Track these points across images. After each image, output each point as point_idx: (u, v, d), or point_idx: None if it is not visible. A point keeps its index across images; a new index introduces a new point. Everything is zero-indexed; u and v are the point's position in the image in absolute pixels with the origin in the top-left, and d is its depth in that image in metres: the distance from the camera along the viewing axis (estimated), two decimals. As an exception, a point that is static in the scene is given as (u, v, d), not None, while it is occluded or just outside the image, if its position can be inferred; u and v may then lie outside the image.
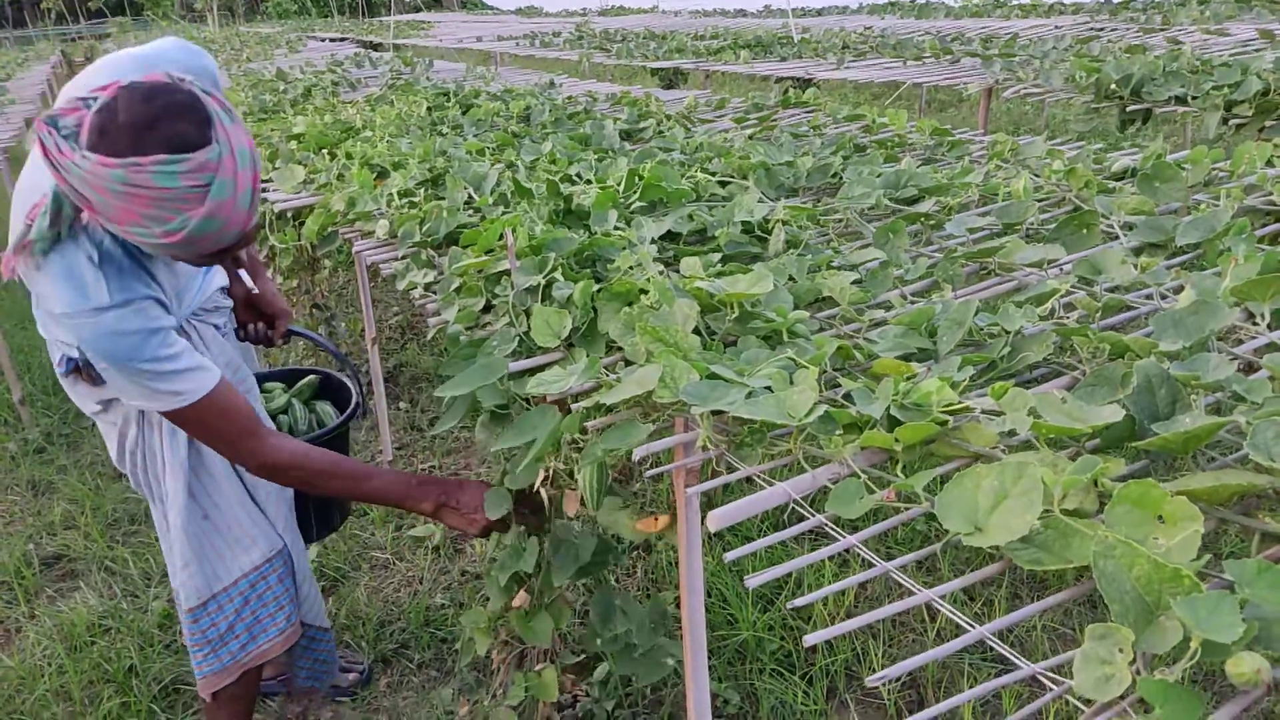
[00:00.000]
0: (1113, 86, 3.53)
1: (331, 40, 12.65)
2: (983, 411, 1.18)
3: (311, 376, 2.26)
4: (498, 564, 1.82)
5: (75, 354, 1.54)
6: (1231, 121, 3.13)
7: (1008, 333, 1.42)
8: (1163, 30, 5.54)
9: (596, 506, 1.47)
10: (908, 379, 1.29)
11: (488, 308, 1.88)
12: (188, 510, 1.81)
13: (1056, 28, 6.36)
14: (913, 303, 1.66)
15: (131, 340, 1.44)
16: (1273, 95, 3.05)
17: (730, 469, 1.25)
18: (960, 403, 1.19)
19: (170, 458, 1.78)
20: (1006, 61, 4.25)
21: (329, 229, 2.73)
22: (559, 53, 7.96)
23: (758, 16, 11.65)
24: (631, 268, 1.71)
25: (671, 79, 7.94)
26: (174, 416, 1.55)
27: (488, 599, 1.93)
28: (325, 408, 2.24)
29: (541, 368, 1.64)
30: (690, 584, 1.42)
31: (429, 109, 4.01)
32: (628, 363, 1.55)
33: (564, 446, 1.50)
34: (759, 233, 2.05)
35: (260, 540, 1.90)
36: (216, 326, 1.91)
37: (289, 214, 3.19)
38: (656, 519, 1.57)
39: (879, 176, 2.32)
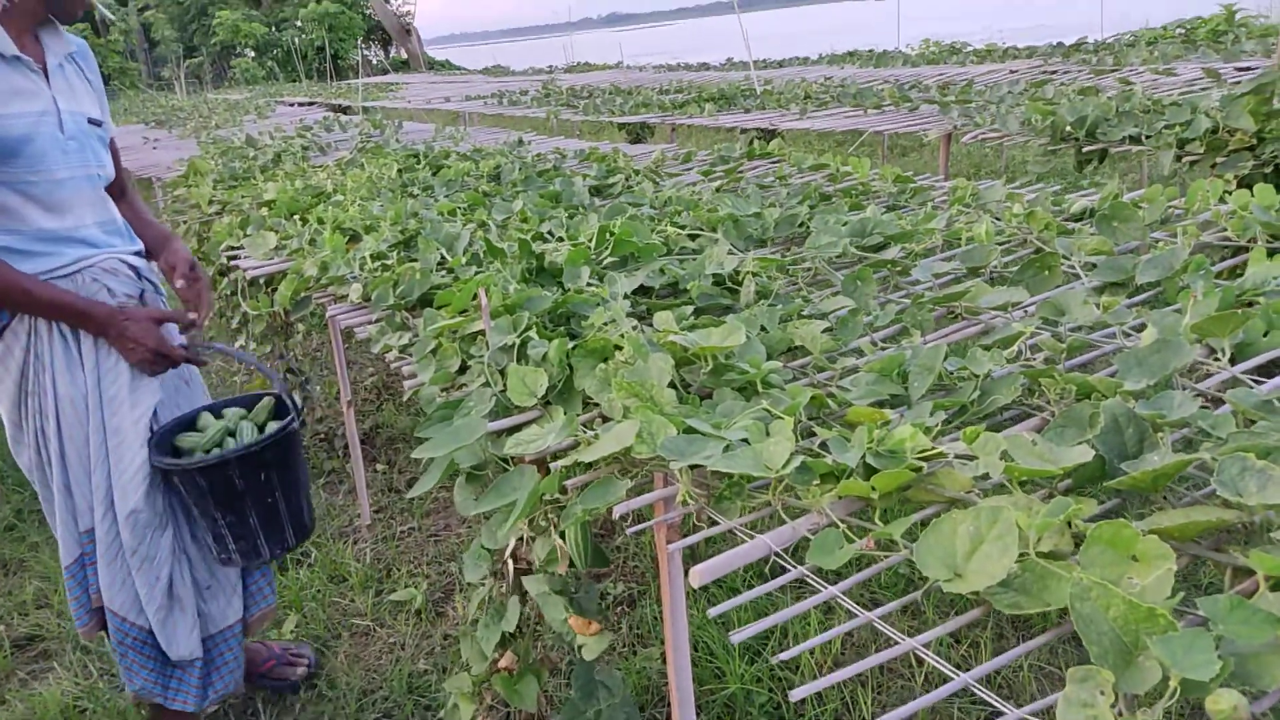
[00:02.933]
0: (1068, 128, 3.62)
1: (300, 105, 12.75)
2: (956, 456, 1.19)
3: (267, 398, 2.17)
4: (481, 625, 1.80)
5: None
6: (1185, 159, 3.22)
7: (976, 376, 1.44)
8: (1114, 71, 5.70)
9: (585, 565, 1.47)
10: (881, 426, 1.30)
11: (463, 368, 1.88)
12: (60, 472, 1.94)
13: (1011, 72, 6.53)
14: (883, 349, 1.69)
15: None
16: (1221, 133, 3.15)
17: (711, 523, 1.25)
18: (934, 448, 1.20)
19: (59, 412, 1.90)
20: (964, 107, 4.37)
21: (302, 294, 2.73)
22: (527, 110, 8.07)
23: (720, 70, 11.87)
24: (606, 324, 1.72)
25: (638, 133, 8.06)
26: None
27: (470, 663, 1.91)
28: (273, 425, 2.18)
29: (519, 427, 1.65)
30: (676, 640, 1.42)
31: (399, 171, 4.05)
32: (605, 419, 1.56)
33: (543, 505, 1.50)
34: (730, 284, 2.07)
35: (85, 515, 1.97)
36: (110, 289, 1.93)
37: (261, 280, 3.19)
38: (589, 623, 1.56)
39: (845, 225, 2.36)
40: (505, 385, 1.69)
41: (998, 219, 2.35)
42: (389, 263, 2.52)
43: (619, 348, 1.69)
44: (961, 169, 7.84)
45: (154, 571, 1.99)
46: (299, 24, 29.43)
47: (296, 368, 3.80)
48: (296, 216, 3.28)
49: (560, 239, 2.58)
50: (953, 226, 2.30)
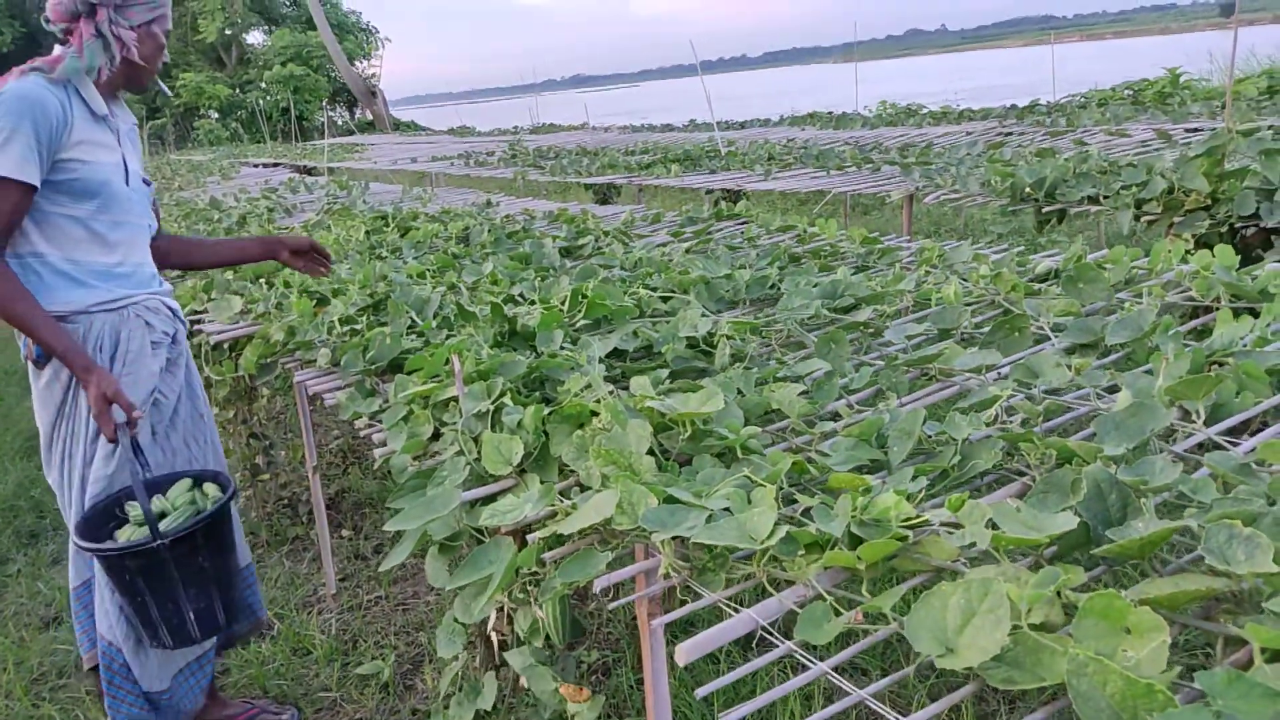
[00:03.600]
0: (1027, 189, 3.71)
1: (265, 166, 12.75)
2: (941, 524, 1.18)
3: (211, 481, 2.12)
4: (455, 702, 1.74)
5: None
6: (1143, 219, 3.30)
7: (955, 441, 1.44)
8: (1068, 132, 5.87)
9: (563, 640, 1.43)
10: (863, 493, 1.29)
11: (435, 435, 1.85)
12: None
13: (968, 134, 6.70)
14: (860, 412, 1.68)
15: (17, 98, 1.87)
16: (1177, 193, 3.23)
17: (694, 595, 1.22)
18: (918, 516, 1.19)
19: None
20: (924, 169, 4.46)
21: (268, 359, 2.69)
22: (494, 171, 8.12)
23: (684, 130, 12.06)
24: (581, 390, 1.71)
25: (605, 193, 8.14)
26: None
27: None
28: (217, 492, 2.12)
29: (494, 496, 1.62)
30: (658, 713, 1.38)
31: (367, 233, 4.03)
32: (583, 487, 1.53)
33: (521, 577, 1.47)
34: (704, 347, 2.07)
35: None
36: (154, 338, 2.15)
37: (225, 345, 3.14)
38: (581, 690, 1.52)
39: (815, 286, 2.38)
40: (479, 453, 1.66)
41: (965, 280, 2.38)
42: (358, 327, 2.49)
43: (595, 414, 1.67)
44: (922, 227, 7.99)
45: (117, 600, 2.05)
46: (263, 85, 29.57)
47: (260, 432, 3.72)
48: (262, 280, 3.24)
49: (532, 302, 2.57)
50: (922, 288, 2.32)
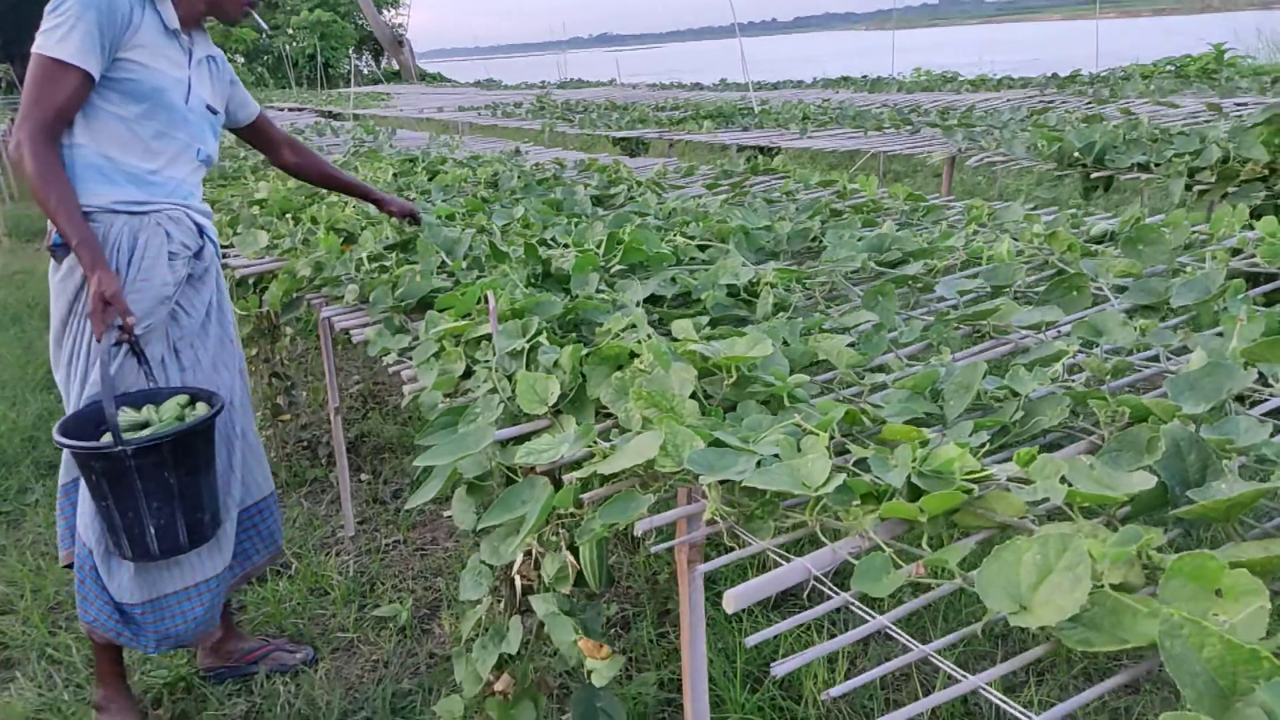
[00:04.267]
0: (1076, 154, 3.59)
1: (291, 109, 12.65)
2: (1009, 479, 1.11)
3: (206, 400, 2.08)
4: (478, 646, 1.70)
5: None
6: (1195, 188, 3.18)
7: (1018, 396, 1.37)
8: (1112, 102, 5.70)
9: (599, 585, 1.38)
10: (921, 445, 1.23)
11: (467, 373, 1.79)
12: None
13: (1008, 101, 6.54)
14: (911, 366, 1.61)
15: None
16: (1232, 163, 3.12)
17: (739, 543, 1.17)
18: (983, 470, 1.13)
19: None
20: (968, 131, 4.34)
21: (293, 295, 2.64)
22: (521, 122, 8.00)
23: (714, 90, 11.87)
24: (622, 330, 1.64)
25: (633, 149, 8.01)
26: (33, 53, 1.92)
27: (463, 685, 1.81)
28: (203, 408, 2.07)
29: (527, 436, 1.56)
30: (694, 667, 1.33)
31: (395, 175, 3.96)
32: (621, 430, 1.47)
33: (554, 520, 1.41)
34: (745, 295, 2.00)
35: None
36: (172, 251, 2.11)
37: (250, 280, 3.09)
38: (600, 647, 1.46)
39: (860, 240, 2.30)
40: (514, 392, 1.60)
41: (1016, 239, 2.29)
42: (387, 264, 2.43)
43: (635, 355, 1.61)
44: (955, 194, 7.83)
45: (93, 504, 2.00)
46: (290, 31, 29.32)
47: (282, 372, 3.69)
48: (289, 216, 3.18)
49: (564, 246, 2.51)
50: (972, 245, 2.23)
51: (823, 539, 1.10)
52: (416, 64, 29.57)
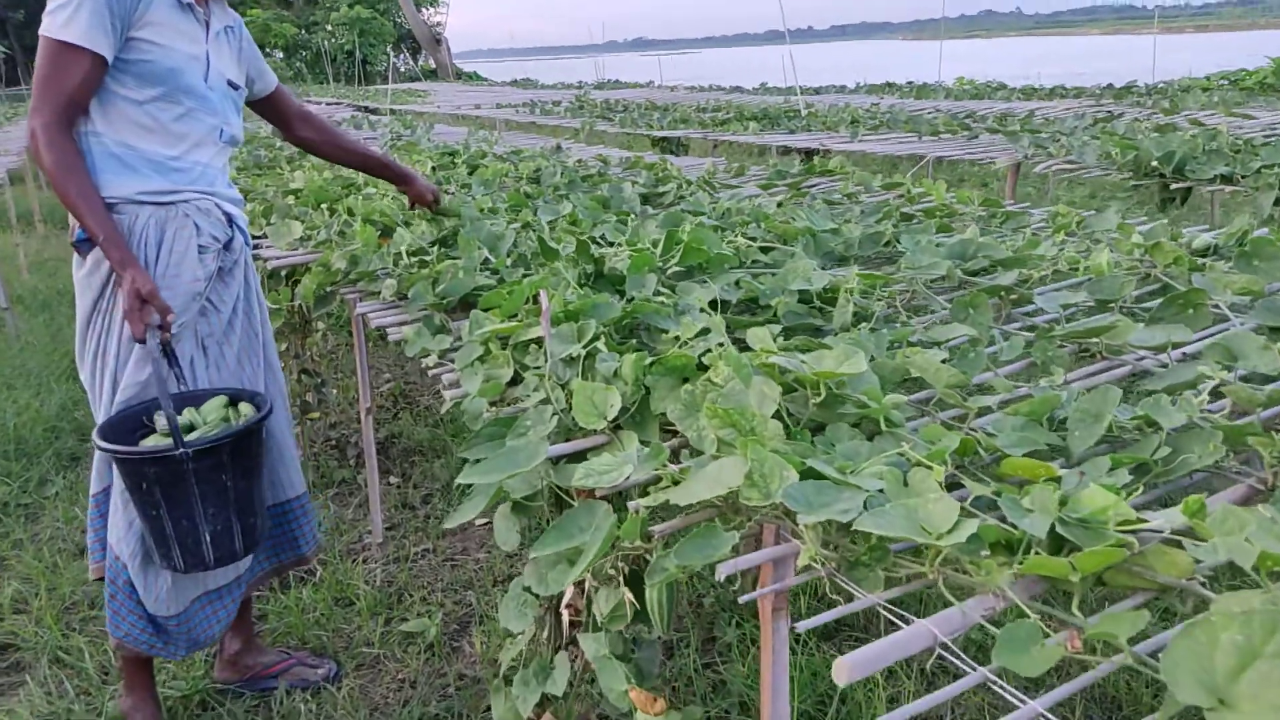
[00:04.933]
0: (1154, 164, 3.38)
1: (329, 104, 12.61)
2: (1173, 531, 0.93)
3: (248, 401, 1.96)
4: (519, 681, 1.54)
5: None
6: (1287, 202, 2.97)
7: (1152, 427, 1.19)
8: (1177, 113, 5.46)
9: (665, 629, 1.21)
10: (1048, 483, 1.05)
11: (515, 380, 1.63)
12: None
13: (1066, 109, 6.30)
14: (1019, 388, 1.43)
15: None
16: (1330, 176, 2.90)
17: (843, 593, 0.99)
18: (1138, 519, 0.94)
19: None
20: (1035, 138, 4.13)
21: (327, 289, 2.49)
22: (559, 120, 7.86)
23: (755, 94, 11.69)
24: (692, 338, 1.47)
25: (673, 150, 7.85)
26: (40, 36, 1.79)
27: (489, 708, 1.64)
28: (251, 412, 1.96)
29: (583, 454, 1.40)
30: (773, 730, 1.15)
31: (434, 168, 3.82)
32: (692, 451, 1.30)
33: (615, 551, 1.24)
34: (818, 303, 1.82)
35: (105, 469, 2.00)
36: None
37: (282, 272, 2.96)
38: (655, 700, 1.29)
39: (939, 247, 2.12)
40: (569, 403, 1.44)
41: (1112, 250, 2.10)
42: (427, 259, 2.28)
43: (703, 367, 1.44)
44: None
45: (129, 515, 1.90)
46: (329, 27, 29.45)
47: (312, 369, 3.55)
48: (325, 206, 3.04)
49: (613, 244, 2.34)
50: (1065, 254, 2.04)
51: (949, 597, 0.92)
52: (453, 63, 29.61)
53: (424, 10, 30.58)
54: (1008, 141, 4.39)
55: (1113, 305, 1.76)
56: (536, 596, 1.45)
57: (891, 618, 0.92)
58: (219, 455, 1.75)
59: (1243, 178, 3.17)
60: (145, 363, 1.91)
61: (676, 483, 1.21)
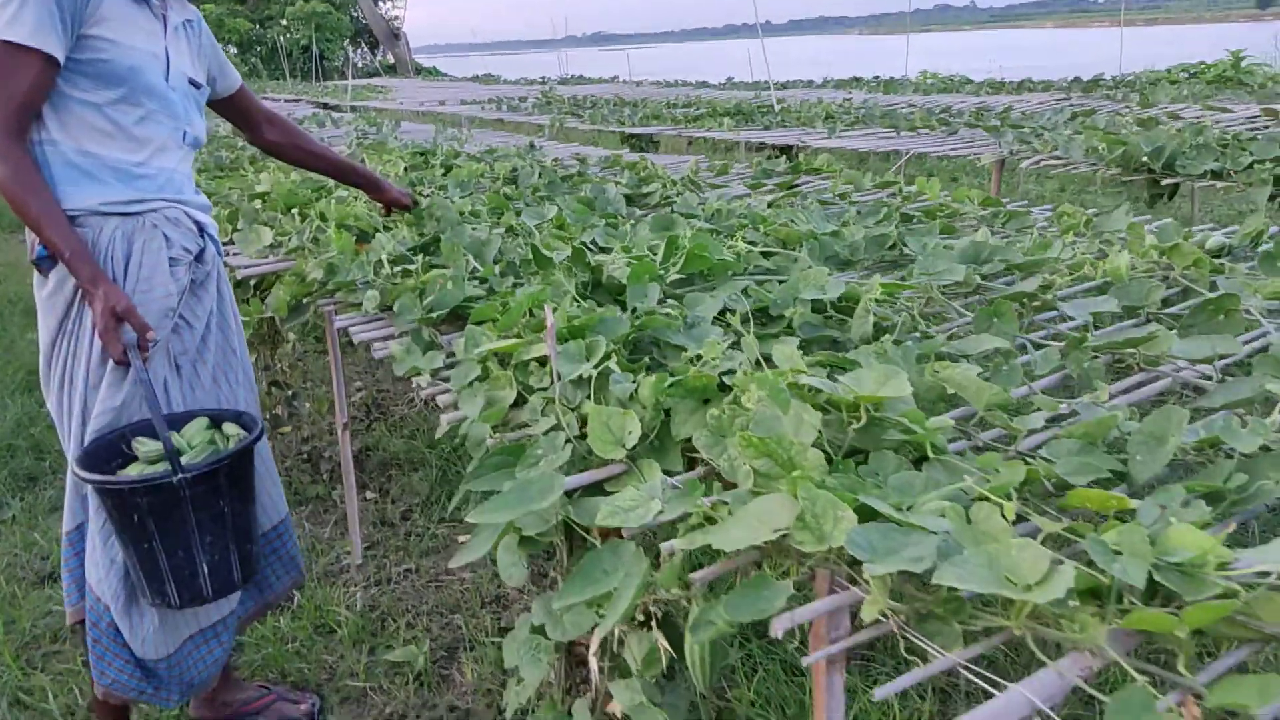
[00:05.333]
0: (1144, 160, 3.33)
1: (286, 100, 12.33)
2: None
3: (232, 420, 1.85)
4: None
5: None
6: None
7: (1216, 449, 1.11)
8: (1153, 106, 5.45)
9: (708, 683, 1.11)
10: (1117, 517, 0.96)
11: (517, 401, 1.52)
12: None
13: (1040, 103, 6.29)
14: (1062, 404, 1.34)
15: None
16: (1325, 170, 2.87)
17: (917, 649, 0.90)
18: (1236, 561, 0.86)
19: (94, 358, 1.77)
20: (1017, 132, 4.08)
21: (302, 300, 2.36)
22: (527, 117, 7.71)
23: (722, 88, 11.61)
24: (719, 356, 1.37)
25: (644, 146, 7.74)
26: None
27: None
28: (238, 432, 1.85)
29: (599, 485, 1.29)
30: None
31: (406, 169, 3.68)
32: (724, 483, 1.20)
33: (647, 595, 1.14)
34: (832, 312, 1.73)
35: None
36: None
37: (251, 282, 2.81)
38: None
39: (947, 249, 2.03)
40: (582, 429, 1.33)
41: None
42: (411, 268, 2.16)
43: (725, 387, 1.34)
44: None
45: (110, 553, 1.78)
46: (284, 22, 28.92)
47: (283, 381, 3.40)
48: (295, 211, 2.90)
49: (605, 250, 2.23)
50: (1078, 257, 1.97)
51: (1041, 656, 0.83)
52: (413, 58, 29.23)
53: (382, 4, 30.14)
54: (989, 136, 4.33)
55: (1139, 311, 1.69)
56: (551, 641, 1.34)
57: (979, 681, 0.82)
58: (216, 480, 1.64)
59: (1234, 173, 3.13)
60: (119, 387, 1.77)
61: (709, 518, 1.12)
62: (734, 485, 1.19)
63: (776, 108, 6.46)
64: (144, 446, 1.72)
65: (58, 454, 3.70)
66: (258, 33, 29.16)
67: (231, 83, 2.12)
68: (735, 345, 1.63)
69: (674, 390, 1.32)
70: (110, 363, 1.76)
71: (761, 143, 5.78)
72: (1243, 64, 11.04)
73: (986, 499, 0.99)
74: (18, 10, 1.60)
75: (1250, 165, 3.08)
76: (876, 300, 1.76)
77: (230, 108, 2.16)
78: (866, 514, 0.99)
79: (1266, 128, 4.18)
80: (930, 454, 1.16)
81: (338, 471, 3.56)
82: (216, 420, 1.81)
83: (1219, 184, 3.17)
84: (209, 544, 1.67)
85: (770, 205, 2.88)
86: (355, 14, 29.40)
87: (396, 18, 29.90)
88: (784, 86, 10.94)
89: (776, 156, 6.11)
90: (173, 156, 1.87)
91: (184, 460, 1.66)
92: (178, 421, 1.78)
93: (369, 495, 3.40)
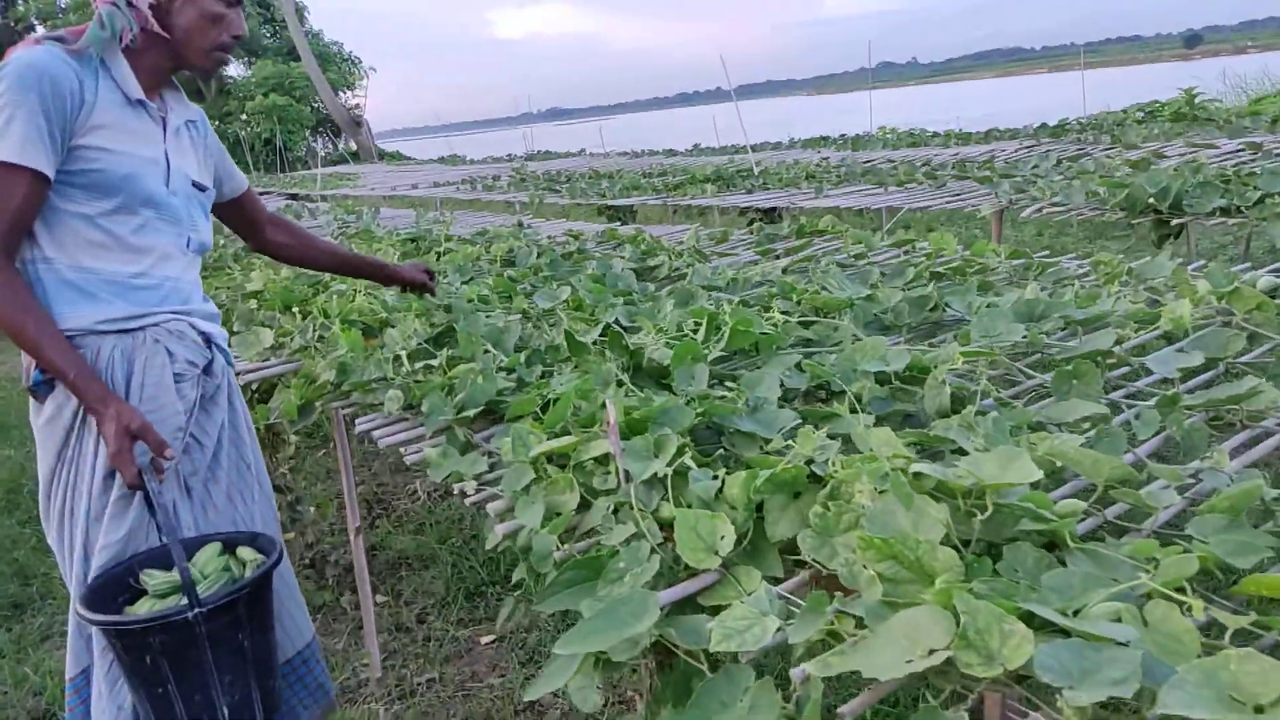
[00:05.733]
0: (1149, 200, 3.31)
1: (258, 193, 12.25)
2: None
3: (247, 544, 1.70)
4: None
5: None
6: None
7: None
8: (1138, 147, 5.50)
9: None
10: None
11: (581, 504, 1.39)
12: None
13: (1022, 151, 6.34)
14: (1195, 481, 1.24)
15: (23, 69, 1.52)
16: (1338, 201, 2.85)
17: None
18: None
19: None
20: (1012, 181, 4.06)
21: (314, 403, 2.23)
22: (504, 195, 7.68)
23: (690, 154, 11.71)
24: (816, 448, 1.25)
25: (622, 218, 7.72)
26: None
27: None
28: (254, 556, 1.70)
29: (691, 599, 1.17)
30: None
31: (401, 256, 3.58)
32: (830, 587, 1.08)
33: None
34: (897, 384, 1.63)
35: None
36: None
37: (253, 386, 2.67)
38: None
39: (991, 308, 1.95)
40: (666, 536, 1.21)
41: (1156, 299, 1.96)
42: (433, 364, 2.04)
43: (816, 477, 1.23)
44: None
45: (117, 699, 1.64)
46: (244, 116, 29.09)
47: (285, 484, 3.24)
48: (295, 309, 2.78)
49: (632, 329, 2.13)
50: (1133, 308, 1.89)
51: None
52: (375, 144, 29.44)
53: (341, 93, 30.43)
54: (980, 187, 4.32)
55: (1219, 363, 1.61)
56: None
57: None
58: (235, 611, 1.50)
59: (1243, 209, 3.10)
60: (123, 517, 1.63)
61: (833, 633, 0.99)
62: (848, 591, 1.07)
63: (756, 170, 6.48)
64: (153, 579, 1.58)
65: (44, 578, 3.50)
66: (218, 128, 29.27)
67: (239, 184, 2.01)
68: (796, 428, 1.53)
69: (764, 486, 1.20)
70: (113, 492, 1.64)
71: (745, 207, 5.76)
72: (1196, 100, 11.33)
73: (1164, 596, 0.88)
74: (4, 126, 1.51)
75: (1261, 199, 3.06)
76: (972, 367, 1.67)
77: (235, 211, 2.05)
78: (1042, 624, 0.87)
79: (1254, 161, 4.20)
80: (1070, 542, 1.05)
81: (345, 576, 3.38)
82: (230, 544, 1.67)
83: (1230, 220, 3.14)
84: (229, 684, 1.53)
85: (785, 271, 2.80)
86: (315, 104, 29.64)
87: (357, 105, 30.20)
88: (752, 149, 11.06)
89: (761, 219, 6.11)
90: (176, 264, 1.76)
91: (204, 589, 1.52)
92: (189, 548, 1.64)
93: (380, 598, 3.23)
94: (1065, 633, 0.88)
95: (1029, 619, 0.88)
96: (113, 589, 1.58)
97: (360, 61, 32.96)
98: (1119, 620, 0.87)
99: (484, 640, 2.91)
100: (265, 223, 2.13)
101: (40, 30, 1.72)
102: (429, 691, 2.68)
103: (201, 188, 1.83)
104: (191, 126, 1.84)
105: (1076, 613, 0.91)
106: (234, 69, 33.23)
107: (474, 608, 3.11)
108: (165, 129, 1.75)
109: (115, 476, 1.64)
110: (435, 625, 3.03)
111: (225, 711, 1.53)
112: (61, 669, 2.88)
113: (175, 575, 1.54)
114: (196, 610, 1.44)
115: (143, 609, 1.54)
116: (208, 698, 1.51)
